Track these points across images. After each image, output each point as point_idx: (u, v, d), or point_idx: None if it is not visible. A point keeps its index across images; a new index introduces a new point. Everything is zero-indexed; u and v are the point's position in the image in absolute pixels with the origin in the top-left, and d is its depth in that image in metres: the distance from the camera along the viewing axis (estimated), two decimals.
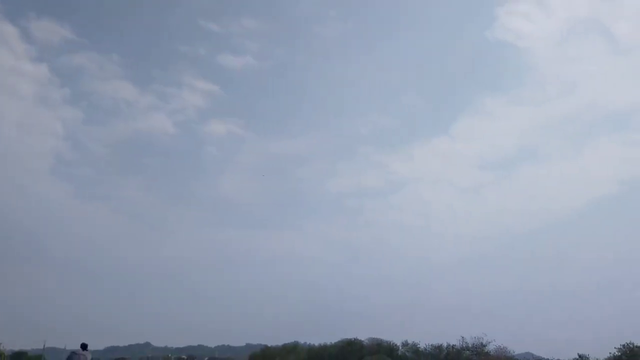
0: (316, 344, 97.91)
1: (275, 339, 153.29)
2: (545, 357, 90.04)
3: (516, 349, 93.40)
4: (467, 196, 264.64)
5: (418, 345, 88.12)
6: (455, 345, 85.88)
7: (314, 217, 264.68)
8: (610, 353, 74.06)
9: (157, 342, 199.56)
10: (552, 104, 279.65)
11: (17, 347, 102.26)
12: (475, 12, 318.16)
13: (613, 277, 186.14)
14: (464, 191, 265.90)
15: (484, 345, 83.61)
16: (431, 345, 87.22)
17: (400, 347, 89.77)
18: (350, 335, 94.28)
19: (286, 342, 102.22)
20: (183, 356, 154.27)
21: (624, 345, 73.54)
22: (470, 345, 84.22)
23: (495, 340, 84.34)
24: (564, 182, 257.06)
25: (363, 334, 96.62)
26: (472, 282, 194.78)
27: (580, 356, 78.24)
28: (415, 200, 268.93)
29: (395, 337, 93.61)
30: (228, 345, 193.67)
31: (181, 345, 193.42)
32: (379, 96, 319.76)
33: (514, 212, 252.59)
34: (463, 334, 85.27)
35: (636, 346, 73.41)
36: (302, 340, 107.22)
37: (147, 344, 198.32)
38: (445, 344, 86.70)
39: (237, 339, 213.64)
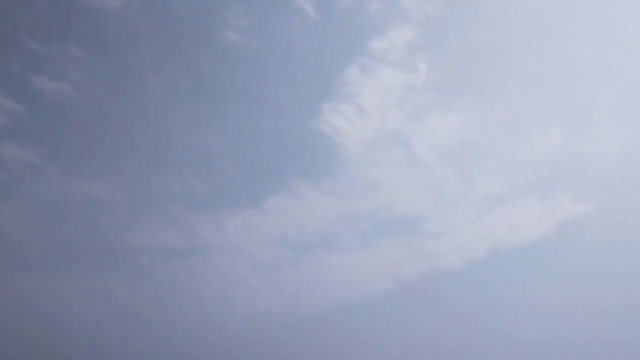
0: None
1: None
2: None
3: None
4: (263, 270, 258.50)
5: None
6: None
7: (98, 267, 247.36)
8: None
9: None
10: (354, 199, 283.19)
11: None
12: (306, 102, 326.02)
13: None
14: (261, 265, 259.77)
15: None
16: None
17: None
18: None
19: None
20: None
21: None
22: None
23: None
24: (352, 272, 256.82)
25: None
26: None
27: None
28: (213, 267, 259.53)
29: None
30: None
31: None
32: (198, 159, 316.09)
33: (303, 294, 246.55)
34: None
35: None
36: None
37: None
38: None
39: None
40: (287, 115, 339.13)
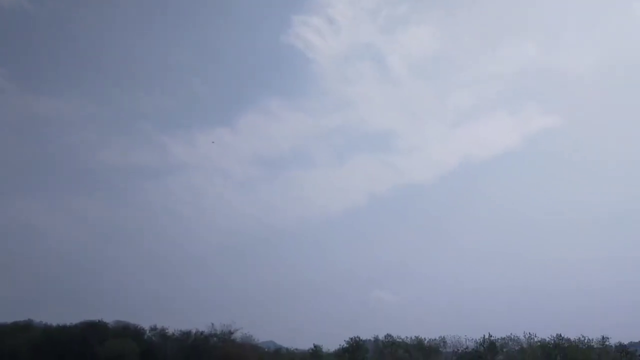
0: (54, 323, 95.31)
1: (3, 315, 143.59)
2: (285, 346, 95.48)
3: (260, 337, 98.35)
4: (238, 189, 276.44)
5: (167, 331, 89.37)
6: (204, 331, 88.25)
7: (70, 189, 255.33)
8: (339, 345, 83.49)
9: None
10: (327, 116, 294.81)
11: None
12: (274, 14, 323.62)
13: (348, 279, 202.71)
14: (236, 184, 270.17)
15: (232, 333, 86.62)
16: (180, 330, 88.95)
17: (147, 332, 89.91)
18: (95, 316, 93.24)
19: (18, 319, 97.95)
20: None
21: (351, 339, 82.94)
22: (218, 333, 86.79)
23: (242, 328, 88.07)
24: (325, 189, 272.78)
25: (110, 316, 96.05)
26: (228, 273, 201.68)
27: (315, 346, 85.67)
28: (189, 185, 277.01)
29: (146, 321, 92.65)
30: None
31: None
32: (165, 76, 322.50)
33: (279, 210, 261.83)
34: (215, 321, 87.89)
35: (361, 340, 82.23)
36: (37, 318, 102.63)
37: None
38: (194, 330, 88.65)
39: None
40: (256, 28, 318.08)
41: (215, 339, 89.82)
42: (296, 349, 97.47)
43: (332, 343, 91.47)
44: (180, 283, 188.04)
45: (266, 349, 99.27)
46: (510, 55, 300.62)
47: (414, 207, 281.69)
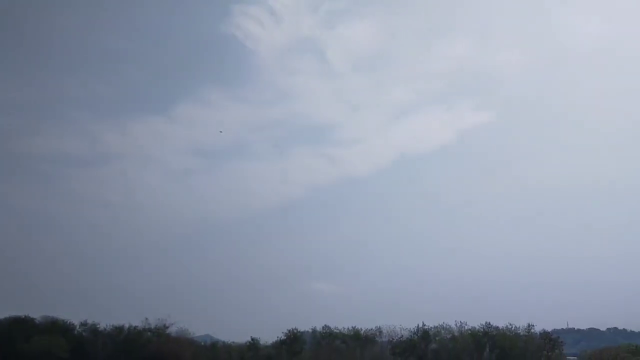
0: None
1: None
2: (222, 340, 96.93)
3: (197, 331, 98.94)
4: (174, 180, 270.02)
5: (98, 326, 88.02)
6: (137, 326, 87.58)
7: None
8: (277, 337, 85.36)
9: None
10: (268, 107, 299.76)
11: None
12: (214, 2, 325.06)
13: (287, 271, 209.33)
14: (172, 175, 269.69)
15: (167, 327, 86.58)
16: (112, 325, 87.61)
17: (77, 327, 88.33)
18: (21, 312, 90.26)
19: None
20: None
21: (289, 331, 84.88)
22: (153, 327, 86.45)
23: (177, 322, 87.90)
24: (265, 181, 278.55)
25: (37, 311, 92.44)
26: (164, 266, 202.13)
27: (252, 339, 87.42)
28: (122, 176, 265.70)
29: (76, 316, 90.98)
30: None
31: None
32: (98, 62, 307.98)
33: (217, 202, 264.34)
34: (149, 316, 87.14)
35: (299, 331, 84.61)
36: None
37: None
38: (127, 325, 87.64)
39: None
40: (195, 16, 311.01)
41: (149, 333, 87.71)
42: (233, 343, 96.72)
43: (270, 335, 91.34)
44: (113, 277, 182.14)
45: (202, 343, 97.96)
46: (446, 53, 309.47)
47: (353, 199, 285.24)
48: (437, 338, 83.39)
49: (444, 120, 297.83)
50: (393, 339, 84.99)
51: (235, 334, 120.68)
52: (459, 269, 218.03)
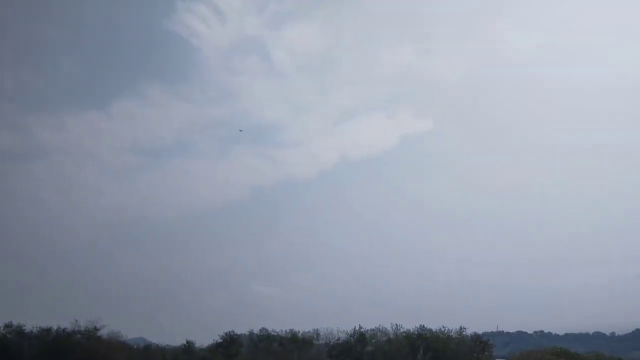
0: None
1: None
2: (156, 342, 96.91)
3: (129, 333, 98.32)
4: (113, 178, 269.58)
5: (24, 327, 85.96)
6: (66, 328, 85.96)
7: None
8: (213, 340, 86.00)
9: None
10: (211, 106, 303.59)
11: None
12: None
13: (227, 273, 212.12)
14: (111, 172, 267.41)
15: (98, 329, 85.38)
16: (39, 327, 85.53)
17: (1, 329, 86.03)
18: None
19: None
20: None
21: (226, 333, 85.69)
22: (82, 329, 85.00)
23: (109, 325, 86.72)
24: (207, 181, 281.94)
25: None
26: (97, 266, 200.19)
27: (187, 342, 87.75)
28: (57, 173, 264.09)
29: (0, 317, 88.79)
30: None
31: None
32: (31, 53, 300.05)
33: (157, 201, 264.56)
34: (79, 318, 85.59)
35: (236, 334, 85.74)
36: None
37: None
38: (55, 327, 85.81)
39: None
40: (137, 11, 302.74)
41: (79, 335, 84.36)
42: (167, 346, 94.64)
43: (207, 338, 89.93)
44: (42, 277, 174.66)
45: (135, 346, 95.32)
46: (390, 59, 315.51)
47: (295, 201, 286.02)
48: (373, 340, 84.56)
49: (387, 125, 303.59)
50: (330, 341, 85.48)
51: (169, 336, 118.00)
52: (395, 273, 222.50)
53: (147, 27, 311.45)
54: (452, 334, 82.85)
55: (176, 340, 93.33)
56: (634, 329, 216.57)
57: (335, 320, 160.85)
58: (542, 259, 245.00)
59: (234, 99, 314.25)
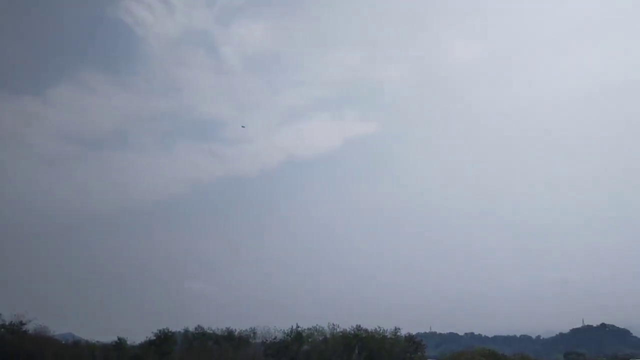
0: None
1: None
2: (86, 338, 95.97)
3: (57, 328, 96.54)
4: (46, 167, 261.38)
5: None
6: None
7: None
8: (147, 337, 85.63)
9: None
10: (155, 99, 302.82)
11: None
12: None
13: (163, 269, 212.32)
14: (44, 161, 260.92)
15: (24, 324, 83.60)
16: None
17: None
18: None
19: None
20: None
21: (159, 330, 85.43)
22: (7, 324, 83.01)
23: (36, 319, 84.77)
24: (147, 174, 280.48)
25: None
26: (25, 259, 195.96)
27: (119, 339, 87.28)
28: None
29: None
30: None
31: None
32: None
33: (93, 193, 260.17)
34: (3, 312, 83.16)
35: (170, 331, 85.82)
36: None
37: None
38: None
39: None
40: None
41: (3, 330, 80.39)
42: (97, 342, 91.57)
43: (140, 335, 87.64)
44: None
45: (63, 342, 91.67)
46: (337, 62, 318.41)
47: (236, 199, 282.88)
48: (309, 340, 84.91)
49: (332, 127, 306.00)
50: (267, 340, 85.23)
51: (100, 332, 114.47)
52: (334, 274, 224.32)
53: (90, 13, 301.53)
54: (387, 334, 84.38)
55: (107, 336, 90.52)
56: (557, 333, 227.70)
57: (273, 319, 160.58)
58: (474, 265, 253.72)
59: (178, 92, 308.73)
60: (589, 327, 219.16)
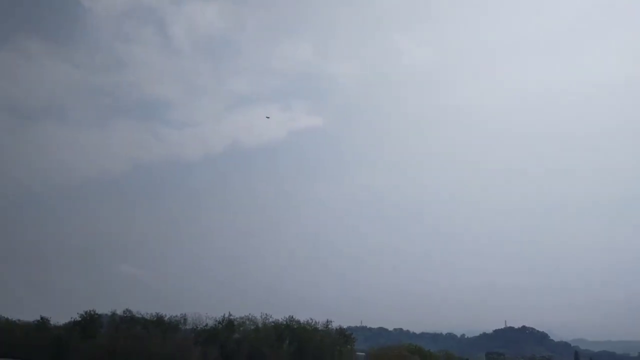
0: None
1: None
2: (7, 317, 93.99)
3: None
4: None
5: None
6: None
7: None
8: (72, 318, 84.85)
9: None
10: (96, 73, 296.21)
11: None
12: None
13: (94, 250, 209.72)
14: None
15: None
16: None
17: None
18: None
19: None
20: None
21: (85, 312, 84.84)
22: None
23: None
24: (82, 150, 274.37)
25: None
26: None
27: (42, 318, 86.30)
28: None
29: None
30: None
31: None
32: None
33: (21, 167, 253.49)
34: None
35: (97, 313, 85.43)
36: None
37: None
38: None
39: None
40: None
41: None
42: (19, 320, 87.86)
43: (65, 316, 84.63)
44: None
45: None
46: (289, 54, 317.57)
47: (178, 182, 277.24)
48: (241, 328, 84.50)
49: (278, 118, 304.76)
50: (197, 327, 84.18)
51: (23, 311, 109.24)
52: (269, 264, 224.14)
53: None
54: (319, 326, 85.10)
55: (31, 315, 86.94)
56: (480, 333, 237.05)
57: (205, 306, 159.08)
58: (404, 264, 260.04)
59: (122, 68, 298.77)
60: (511, 328, 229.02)
